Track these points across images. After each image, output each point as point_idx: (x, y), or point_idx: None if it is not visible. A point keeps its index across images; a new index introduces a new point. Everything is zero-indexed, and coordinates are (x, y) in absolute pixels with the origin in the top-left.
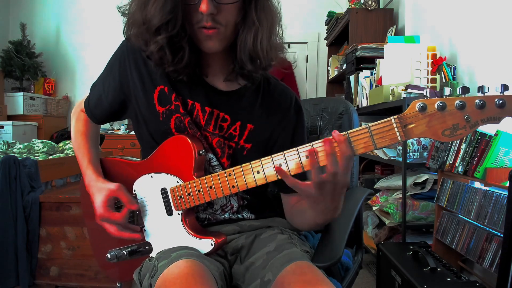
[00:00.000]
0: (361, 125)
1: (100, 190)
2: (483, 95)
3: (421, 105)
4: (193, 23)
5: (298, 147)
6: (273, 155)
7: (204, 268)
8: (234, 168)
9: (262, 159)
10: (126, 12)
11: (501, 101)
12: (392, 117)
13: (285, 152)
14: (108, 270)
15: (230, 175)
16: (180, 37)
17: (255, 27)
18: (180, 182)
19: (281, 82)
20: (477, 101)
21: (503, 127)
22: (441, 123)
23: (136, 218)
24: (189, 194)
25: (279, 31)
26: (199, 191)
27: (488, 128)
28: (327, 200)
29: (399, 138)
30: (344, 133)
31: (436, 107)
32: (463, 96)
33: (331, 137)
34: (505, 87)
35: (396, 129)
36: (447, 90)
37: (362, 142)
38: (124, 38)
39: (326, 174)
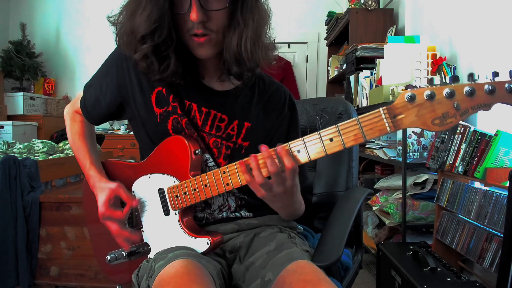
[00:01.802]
0: None
1: (102, 190)
2: (472, 82)
3: (410, 95)
4: (184, 31)
5: (290, 142)
6: None
7: (200, 267)
8: (228, 165)
9: (251, 157)
10: (116, 21)
11: (490, 88)
12: (380, 108)
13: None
14: (109, 273)
15: (224, 173)
16: (166, 46)
17: (240, 28)
18: (177, 182)
19: (275, 80)
20: (466, 88)
21: (503, 127)
22: (430, 112)
23: (134, 219)
24: (185, 193)
25: (268, 31)
26: (194, 190)
27: (488, 128)
28: (283, 200)
29: (388, 129)
30: (332, 126)
31: (424, 96)
32: (452, 84)
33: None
34: (495, 74)
35: (385, 120)
36: (436, 79)
37: (352, 134)
38: (116, 46)
39: (272, 179)
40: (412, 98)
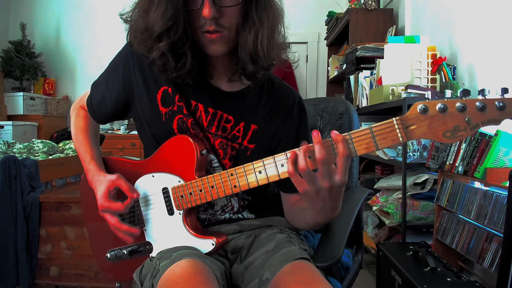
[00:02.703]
0: (361, 125)
1: (101, 182)
2: (483, 97)
3: (423, 107)
4: (196, 28)
5: (300, 148)
6: (275, 155)
7: (206, 267)
8: (236, 168)
9: (264, 159)
10: (129, 19)
11: (501, 104)
12: (394, 118)
13: (287, 152)
14: (107, 270)
15: (232, 174)
16: (182, 42)
17: (256, 27)
18: (182, 182)
19: (284, 82)
20: (477, 103)
21: (503, 127)
22: (442, 124)
23: (136, 217)
24: (190, 193)
25: (281, 30)
26: (200, 190)
27: (488, 128)
28: (326, 199)
29: (400, 139)
30: (345, 134)
31: (437, 109)
32: (464, 98)
33: (329, 138)
34: (505, 90)
35: (397, 130)
36: (448, 93)
37: (364, 143)
38: (126, 42)
39: (319, 169)
40: (425, 110)
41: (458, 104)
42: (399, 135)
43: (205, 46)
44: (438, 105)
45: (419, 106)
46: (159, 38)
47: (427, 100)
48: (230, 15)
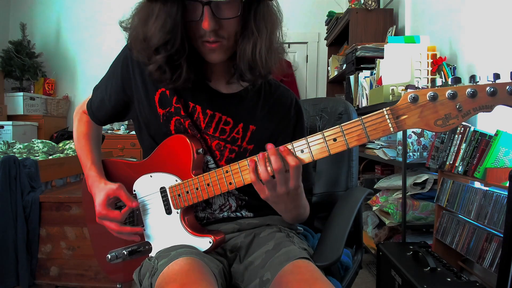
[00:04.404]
0: None
1: (101, 190)
2: (474, 84)
3: (413, 96)
4: (196, 38)
5: (293, 142)
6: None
7: (204, 265)
8: (231, 165)
9: (258, 154)
10: (128, 26)
11: (492, 89)
12: (384, 109)
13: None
14: (109, 272)
15: (227, 172)
16: (179, 55)
17: (254, 37)
18: (179, 181)
19: (281, 83)
20: (468, 90)
21: (503, 127)
22: (433, 113)
23: (136, 218)
24: (187, 192)
25: (279, 36)
26: (197, 189)
27: (488, 128)
28: (286, 202)
29: (391, 129)
30: (333, 127)
31: (427, 97)
32: (454, 86)
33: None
34: (496, 76)
35: (388, 121)
36: (438, 81)
37: (355, 134)
38: (126, 44)
39: (276, 177)
40: (415, 99)
41: (448, 91)
42: (390, 125)
43: (205, 54)
44: (429, 94)
45: (410, 95)
46: (157, 51)
47: (415, 88)
48: (229, 26)
